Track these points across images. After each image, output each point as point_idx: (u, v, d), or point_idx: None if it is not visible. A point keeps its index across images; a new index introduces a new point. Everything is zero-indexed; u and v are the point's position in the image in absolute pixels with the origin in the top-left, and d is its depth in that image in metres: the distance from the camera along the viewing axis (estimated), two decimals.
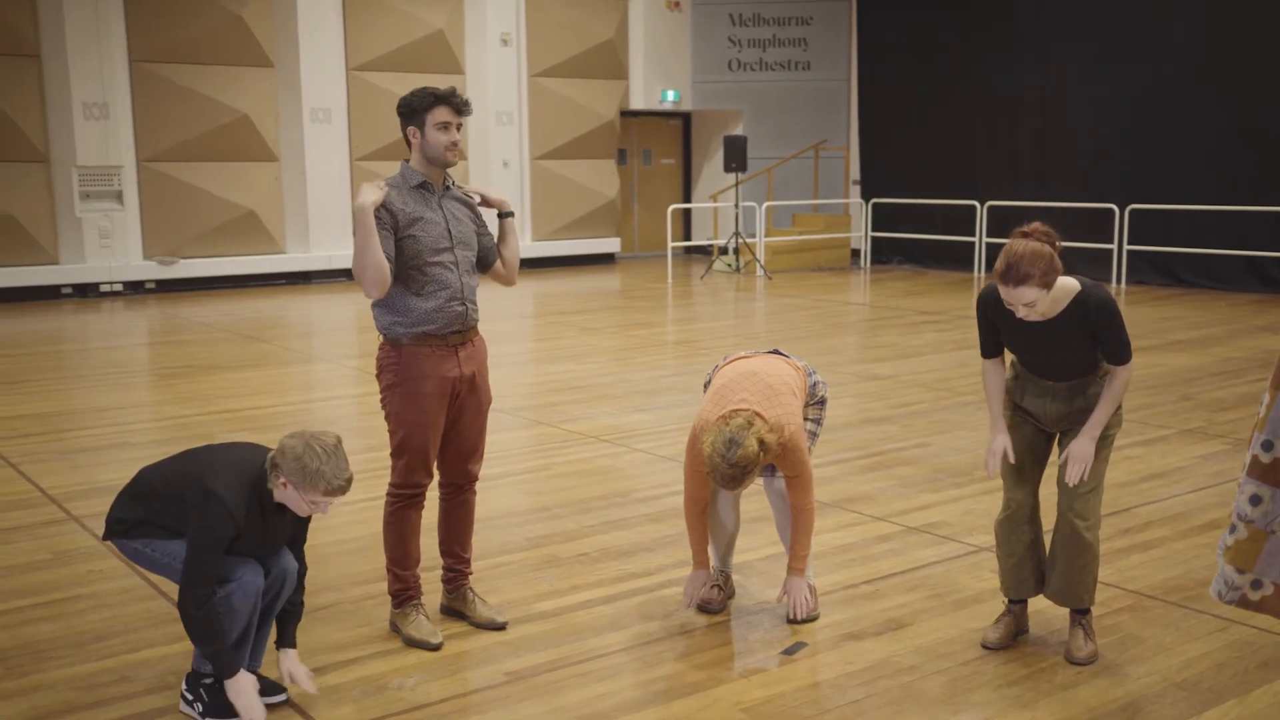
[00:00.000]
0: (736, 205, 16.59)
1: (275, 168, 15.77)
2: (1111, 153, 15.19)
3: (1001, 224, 16.26)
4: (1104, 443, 3.82)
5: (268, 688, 3.62)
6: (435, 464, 4.09)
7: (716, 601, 4.33)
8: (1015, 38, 16.23)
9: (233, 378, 9.10)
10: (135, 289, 14.91)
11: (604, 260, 18.67)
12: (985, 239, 16.37)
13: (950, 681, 3.74)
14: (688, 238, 20.00)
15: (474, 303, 4.05)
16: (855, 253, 18.23)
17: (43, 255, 14.34)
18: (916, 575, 4.69)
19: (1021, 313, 3.63)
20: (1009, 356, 4.02)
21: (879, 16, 18.05)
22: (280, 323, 12.76)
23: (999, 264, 3.60)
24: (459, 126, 3.97)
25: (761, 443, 3.79)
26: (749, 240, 16.88)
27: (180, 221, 15.02)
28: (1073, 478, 3.77)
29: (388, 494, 4.07)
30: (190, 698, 3.52)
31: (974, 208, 16.43)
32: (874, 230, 17.93)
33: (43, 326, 12.47)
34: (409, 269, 3.90)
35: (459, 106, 3.95)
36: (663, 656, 3.94)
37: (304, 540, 3.69)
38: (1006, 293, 3.60)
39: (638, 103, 18.68)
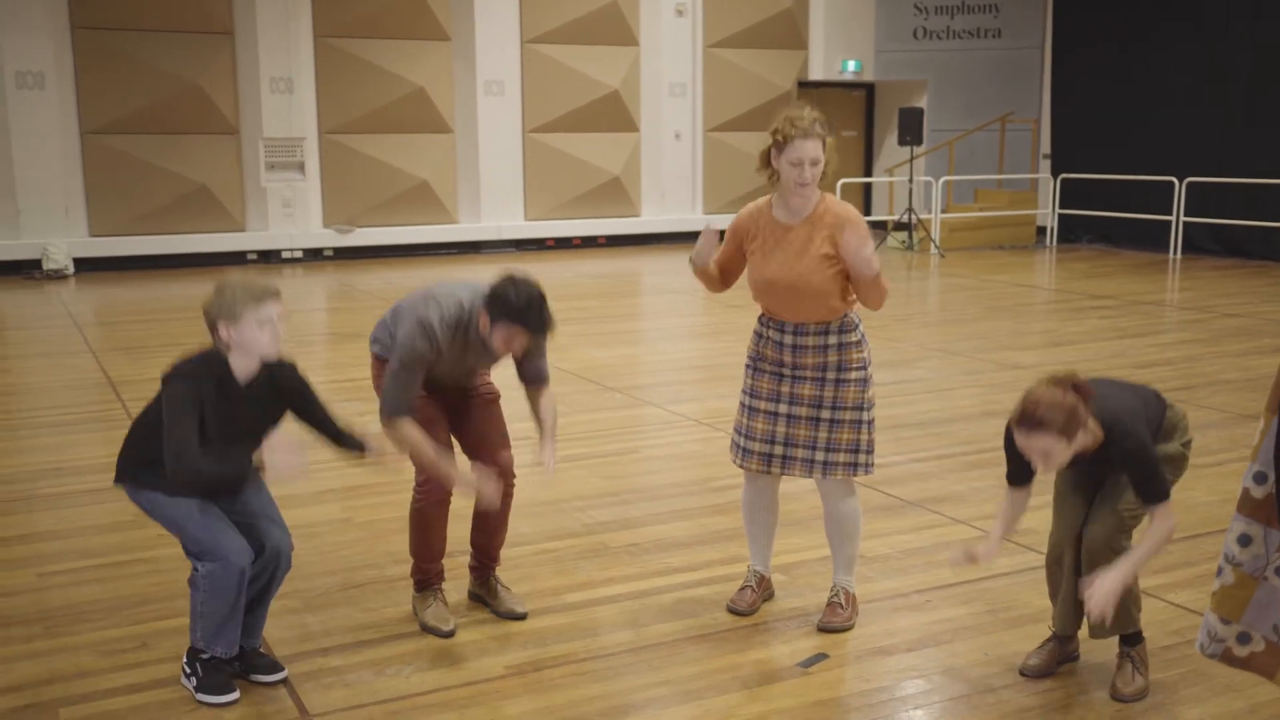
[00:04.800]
0: (910, 180, 15.97)
1: (449, 139, 16.11)
2: None
3: (1201, 202, 15.15)
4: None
5: (267, 666, 3.66)
6: (455, 458, 4.01)
7: (748, 603, 4.13)
8: (1223, 1, 15.01)
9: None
10: (314, 256, 15.52)
11: None
12: (1183, 218, 15.26)
13: (970, 709, 3.44)
14: (867, 213, 19.43)
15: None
16: (1041, 230, 17.32)
17: (231, 223, 15.09)
18: (978, 587, 4.36)
19: (1037, 464, 3.26)
20: None
21: None
22: None
23: (1016, 408, 3.25)
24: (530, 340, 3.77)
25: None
26: (924, 216, 16.26)
27: (358, 191, 15.54)
28: (1095, 615, 3.32)
29: (413, 490, 4.02)
30: (189, 671, 3.57)
31: (1172, 184, 15.32)
32: (1063, 207, 16.98)
33: None
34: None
35: (538, 330, 3.70)
36: (672, 660, 3.77)
37: (315, 400, 3.64)
38: (1020, 438, 3.24)
39: (817, 73, 18.20)
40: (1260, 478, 2.22)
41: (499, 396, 4.10)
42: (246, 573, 3.44)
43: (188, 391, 3.36)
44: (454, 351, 3.81)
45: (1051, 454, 3.21)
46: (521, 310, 3.63)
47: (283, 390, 3.58)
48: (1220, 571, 2.29)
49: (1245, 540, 2.19)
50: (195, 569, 3.47)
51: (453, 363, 3.86)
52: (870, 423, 3.96)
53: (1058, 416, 3.14)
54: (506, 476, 4.03)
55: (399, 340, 3.77)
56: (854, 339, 3.94)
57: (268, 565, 3.56)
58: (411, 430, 3.76)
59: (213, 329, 3.42)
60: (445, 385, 3.96)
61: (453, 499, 4.00)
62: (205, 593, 3.43)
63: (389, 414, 3.73)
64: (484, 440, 4.03)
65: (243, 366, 3.45)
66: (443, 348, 3.75)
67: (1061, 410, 3.15)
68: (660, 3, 17.00)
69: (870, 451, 3.96)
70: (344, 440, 3.69)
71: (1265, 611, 2.24)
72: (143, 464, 3.48)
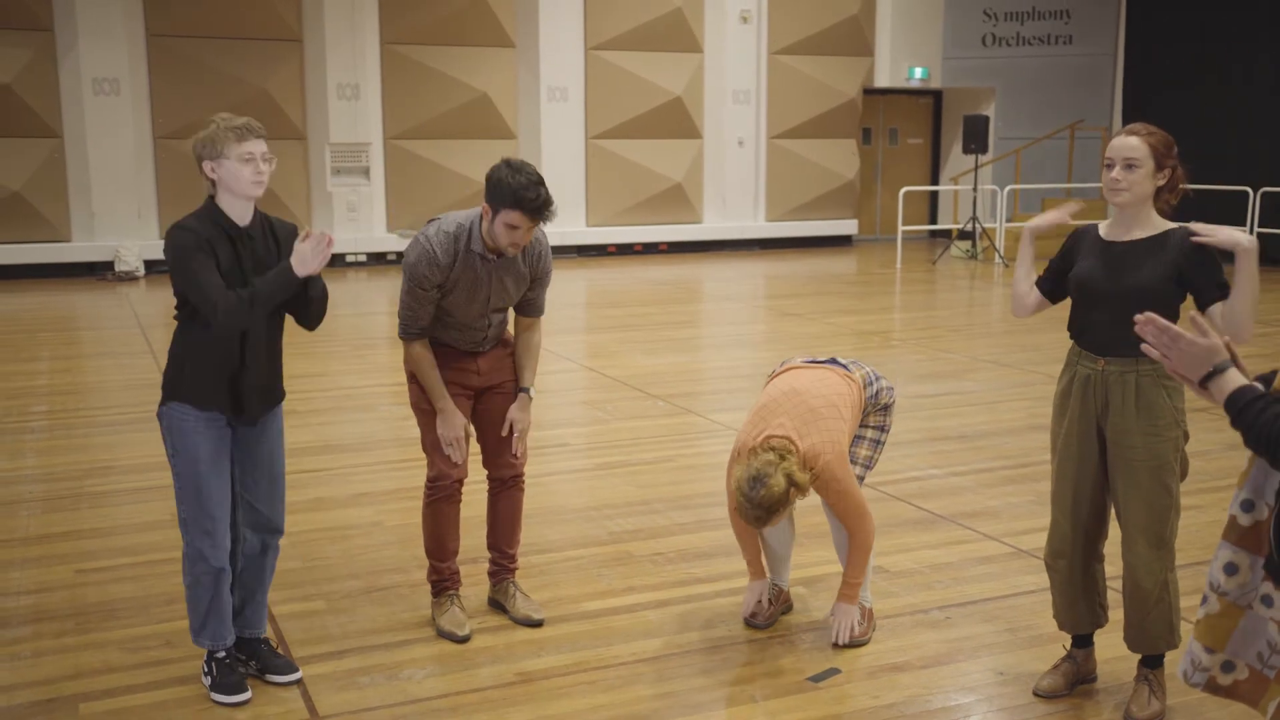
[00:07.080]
0: (975, 188, 15.77)
1: (513, 145, 16.23)
2: None
3: (1276, 213, 14.76)
4: (1159, 472, 3.36)
5: (283, 666, 3.72)
6: (466, 458, 4.06)
7: (764, 615, 4.11)
8: None
9: None
10: (378, 260, 15.74)
11: (839, 242, 18.20)
12: (1258, 228, 14.88)
13: None
14: (933, 221, 19.23)
15: (496, 335, 4.07)
16: None
17: (297, 226, 15.33)
18: (1002, 604, 4.30)
19: (1117, 172, 3.39)
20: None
21: None
22: None
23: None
24: (531, 228, 3.75)
25: (791, 480, 3.57)
26: (989, 225, 16.04)
27: (421, 196, 15.71)
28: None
29: (425, 487, 4.08)
30: (206, 670, 3.65)
31: (1246, 194, 14.95)
32: None
33: None
34: (439, 313, 3.91)
35: (534, 214, 3.68)
36: (683, 670, 3.77)
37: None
38: (1117, 139, 3.45)
39: (883, 80, 18.05)
40: (1248, 505, 2.17)
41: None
42: (226, 574, 3.52)
43: (194, 238, 3.34)
44: (462, 274, 3.80)
45: (1135, 162, 3.31)
46: (519, 191, 3.63)
47: (280, 241, 3.56)
48: (1205, 600, 2.24)
49: (1231, 569, 2.15)
50: (184, 543, 3.55)
51: (466, 292, 3.84)
52: (882, 443, 4.13)
53: (1158, 133, 3.35)
54: (514, 479, 4.17)
55: (404, 260, 3.85)
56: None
57: (258, 550, 3.66)
58: (421, 353, 3.89)
59: (200, 166, 3.42)
60: (468, 327, 3.92)
61: (463, 496, 4.09)
62: (189, 578, 3.54)
63: (402, 334, 3.92)
64: (503, 444, 4.09)
65: (238, 211, 3.44)
66: (441, 261, 3.75)
67: (1163, 136, 3.35)
68: (725, 9, 16.99)
69: (870, 467, 4.10)
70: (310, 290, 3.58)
71: (1250, 640, 2.19)
72: (176, 373, 3.51)
